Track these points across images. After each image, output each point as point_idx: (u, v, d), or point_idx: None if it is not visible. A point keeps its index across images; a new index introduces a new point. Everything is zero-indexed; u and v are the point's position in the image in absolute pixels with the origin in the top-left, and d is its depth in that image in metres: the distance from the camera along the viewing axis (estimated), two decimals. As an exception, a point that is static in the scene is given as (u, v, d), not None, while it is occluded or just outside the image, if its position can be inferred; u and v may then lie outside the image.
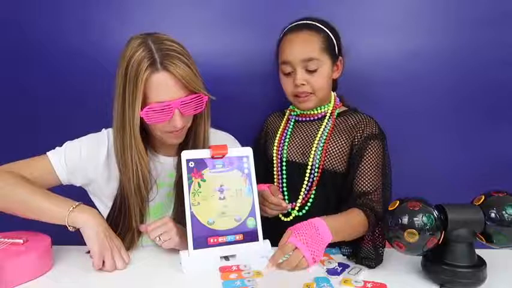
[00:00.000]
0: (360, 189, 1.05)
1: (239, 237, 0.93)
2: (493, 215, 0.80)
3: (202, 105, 0.97)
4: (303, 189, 1.13)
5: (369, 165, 1.06)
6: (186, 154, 0.94)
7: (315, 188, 1.12)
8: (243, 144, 1.00)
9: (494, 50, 1.31)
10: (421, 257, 0.86)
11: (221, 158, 0.96)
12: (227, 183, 0.95)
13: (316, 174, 1.12)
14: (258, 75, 1.35)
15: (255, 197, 0.96)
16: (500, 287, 0.83)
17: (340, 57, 1.14)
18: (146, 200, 1.01)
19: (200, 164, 0.94)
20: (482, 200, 0.83)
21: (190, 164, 0.94)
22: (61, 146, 1.02)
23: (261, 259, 0.93)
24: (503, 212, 0.80)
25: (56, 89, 1.37)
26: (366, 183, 1.05)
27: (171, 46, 0.92)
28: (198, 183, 0.93)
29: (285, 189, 1.16)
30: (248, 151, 0.98)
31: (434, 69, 1.33)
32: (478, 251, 0.84)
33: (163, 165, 1.06)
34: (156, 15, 1.33)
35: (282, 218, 1.14)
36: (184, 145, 1.05)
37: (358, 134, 1.10)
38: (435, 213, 0.80)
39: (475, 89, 1.34)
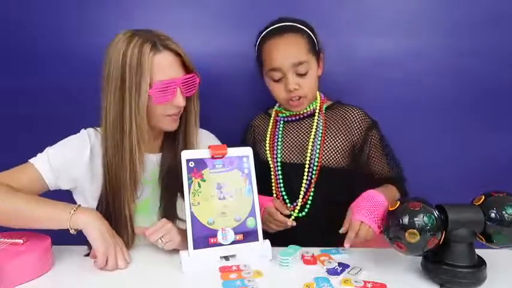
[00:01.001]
0: (384, 177, 1.14)
1: (239, 237, 0.93)
2: (493, 215, 0.80)
3: (195, 87, 1.02)
4: (302, 190, 1.12)
5: (378, 155, 1.14)
6: (186, 154, 0.94)
7: (313, 187, 1.11)
8: (235, 145, 1.00)
9: (495, 52, 1.31)
10: (421, 257, 0.86)
11: (221, 158, 0.96)
12: (227, 183, 0.95)
13: (314, 172, 1.11)
14: (254, 76, 1.34)
15: (255, 197, 0.96)
16: (500, 287, 0.83)
17: (321, 54, 1.14)
18: (136, 196, 1.01)
19: (200, 164, 0.94)
20: (482, 200, 0.83)
21: (190, 164, 0.93)
22: (41, 152, 1.01)
23: (261, 259, 0.93)
24: (503, 212, 0.80)
25: (54, 90, 1.36)
26: (385, 169, 1.14)
27: (162, 33, 0.98)
28: (198, 183, 0.93)
29: (283, 192, 1.15)
30: (248, 151, 0.98)
31: (434, 70, 1.33)
32: (478, 251, 0.84)
33: (145, 162, 1.04)
34: (152, 17, 1.33)
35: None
36: (170, 138, 1.06)
37: (358, 128, 1.12)
38: (436, 213, 0.80)
39: (475, 90, 1.34)
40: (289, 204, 1.14)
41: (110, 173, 0.99)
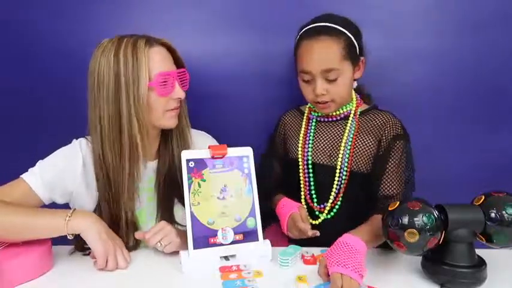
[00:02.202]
0: (384, 193, 1.05)
1: (239, 237, 0.93)
2: (493, 215, 0.80)
3: (187, 83, 1.04)
4: (332, 192, 1.10)
5: (394, 168, 1.05)
6: (186, 154, 0.94)
7: (343, 190, 1.10)
8: (242, 144, 1.00)
9: (497, 52, 1.31)
10: (421, 257, 0.86)
11: (221, 158, 0.96)
12: (227, 183, 0.95)
13: (344, 176, 1.10)
14: (258, 75, 1.34)
15: (255, 197, 0.96)
16: (500, 287, 0.83)
17: (362, 58, 1.10)
18: (136, 199, 1.01)
19: (200, 164, 0.94)
20: (482, 200, 0.83)
21: (190, 164, 0.94)
22: (34, 166, 0.99)
23: (261, 259, 0.93)
24: (503, 212, 0.80)
25: (55, 90, 1.36)
26: (390, 186, 1.05)
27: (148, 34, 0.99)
28: (198, 183, 0.93)
29: (313, 192, 1.14)
30: (248, 151, 0.98)
31: (436, 71, 1.33)
32: (478, 251, 0.84)
33: (142, 170, 1.04)
34: (154, 16, 1.32)
35: (311, 221, 1.11)
36: (165, 145, 1.06)
37: (385, 135, 1.08)
38: (435, 213, 0.80)
39: (477, 91, 1.34)
40: (316, 205, 1.13)
41: (108, 178, 0.98)
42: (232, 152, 0.97)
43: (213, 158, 0.95)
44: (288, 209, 1.06)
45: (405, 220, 0.79)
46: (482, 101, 1.34)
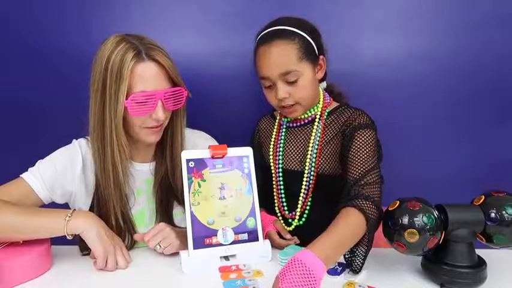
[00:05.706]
0: (351, 178, 0.97)
1: (239, 237, 0.93)
2: (493, 215, 0.80)
3: (182, 100, 0.99)
4: (300, 198, 1.09)
5: (358, 152, 0.99)
6: (186, 154, 0.94)
7: (311, 195, 1.08)
8: (241, 145, 1.00)
9: (495, 52, 1.31)
10: (421, 257, 0.86)
11: (221, 158, 0.96)
12: (227, 183, 0.95)
13: (311, 180, 1.08)
14: (253, 76, 1.34)
15: (255, 197, 0.96)
16: (500, 287, 0.83)
17: (321, 56, 1.07)
18: (126, 202, 1.00)
19: (200, 164, 0.94)
20: (482, 200, 0.83)
21: (190, 164, 0.94)
22: (34, 165, 0.99)
23: (261, 259, 0.93)
24: (503, 212, 0.80)
25: (55, 90, 1.36)
26: (357, 169, 0.97)
27: (152, 42, 0.95)
28: (198, 183, 0.93)
29: (283, 199, 1.13)
30: (248, 151, 0.98)
31: (435, 71, 1.33)
32: (478, 251, 0.84)
33: (139, 172, 1.04)
34: (153, 16, 1.32)
35: (287, 228, 1.10)
36: (161, 147, 1.05)
37: (349, 127, 1.05)
38: (435, 213, 0.80)
39: (475, 91, 1.34)
40: (287, 212, 1.12)
41: (97, 181, 0.98)
42: (232, 152, 0.97)
43: (213, 158, 0.95)
44: (264, 225, 1.04)
45: (405, 220, 0.80)
46: (481, 100, 1.35)
